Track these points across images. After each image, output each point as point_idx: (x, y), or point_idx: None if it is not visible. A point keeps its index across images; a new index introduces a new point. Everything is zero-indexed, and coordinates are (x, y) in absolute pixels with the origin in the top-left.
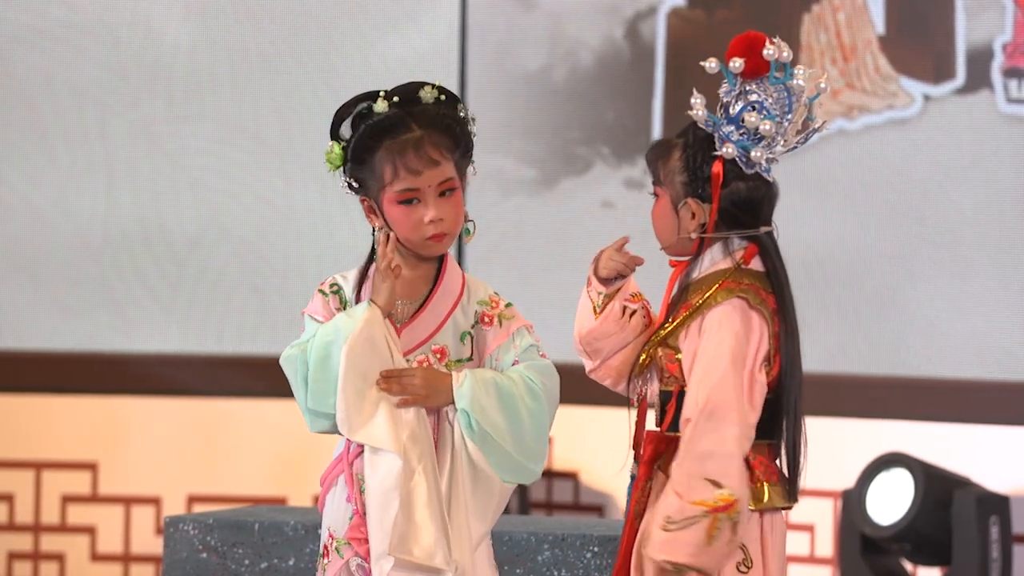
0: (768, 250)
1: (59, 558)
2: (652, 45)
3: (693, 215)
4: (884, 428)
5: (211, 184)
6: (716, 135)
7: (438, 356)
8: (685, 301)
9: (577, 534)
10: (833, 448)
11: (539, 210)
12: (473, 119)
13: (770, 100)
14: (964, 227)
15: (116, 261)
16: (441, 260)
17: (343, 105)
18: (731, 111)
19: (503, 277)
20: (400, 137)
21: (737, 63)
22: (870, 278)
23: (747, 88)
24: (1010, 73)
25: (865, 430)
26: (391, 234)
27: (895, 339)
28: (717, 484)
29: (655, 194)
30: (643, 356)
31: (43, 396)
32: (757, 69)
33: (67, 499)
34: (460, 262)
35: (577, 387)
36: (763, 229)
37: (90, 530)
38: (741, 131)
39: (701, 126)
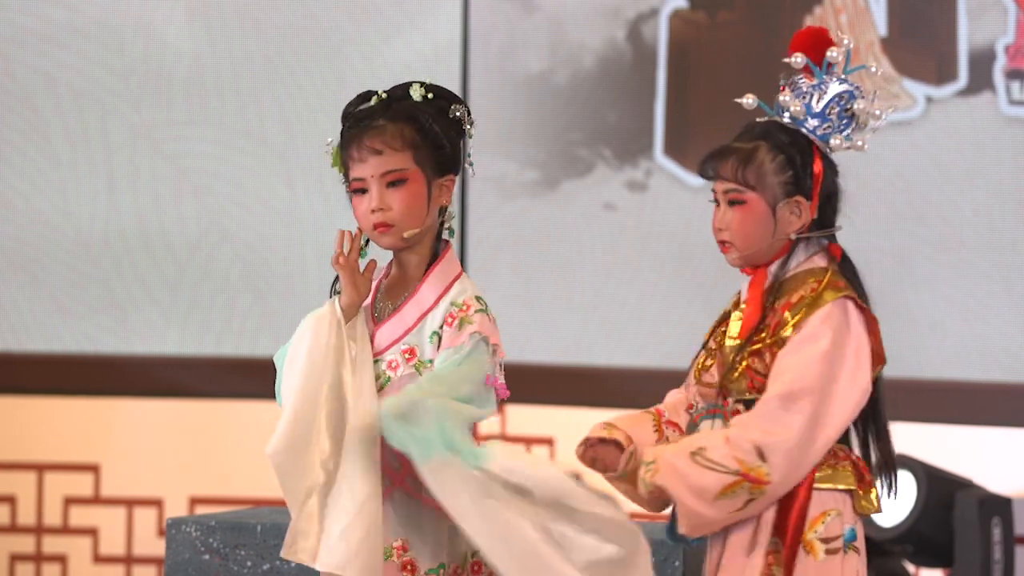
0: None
1: (61, 560)
2: (654, 47)
3: (799, 215)
4: None
5: (213, 187)
6: (804, 130)
7: (407, 356)
8: (783, 300)
9: None
10: None
11: (541, 212)
12: (471, 121)
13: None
14: (966, 229)
15: (117, 263)
16: (435, 257)
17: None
18: (814, 106)
19: (505, 279)
20: (353, 129)
21: (834, 52)
22: (872, 280)
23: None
24: (1012, 75)
25: None
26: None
27: (897, 341)
28: (763, 458)
29: (738, 200)
30: (738, 368)
31: (44, 398)
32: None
33: (69, 501)
34: (462, 264)
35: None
36: (838, 227)
37: (92, 532)
38: (826, 125)
39: (790, 125)
